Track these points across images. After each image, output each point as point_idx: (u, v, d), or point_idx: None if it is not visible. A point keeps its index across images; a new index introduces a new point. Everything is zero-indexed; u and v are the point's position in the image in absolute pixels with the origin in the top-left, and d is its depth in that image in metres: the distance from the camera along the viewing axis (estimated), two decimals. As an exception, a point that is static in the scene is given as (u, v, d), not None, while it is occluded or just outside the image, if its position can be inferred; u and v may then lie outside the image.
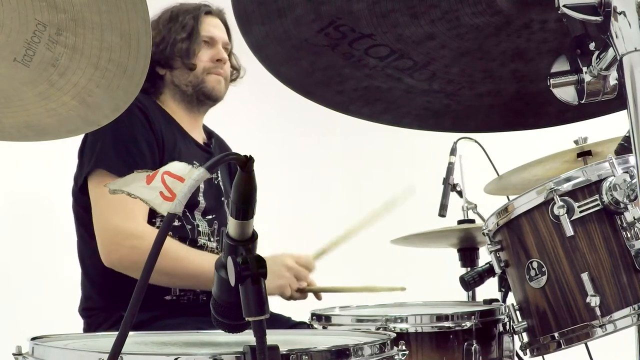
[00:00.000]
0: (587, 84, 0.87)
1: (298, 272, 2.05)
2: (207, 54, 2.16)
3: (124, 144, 1.94)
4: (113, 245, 1.91)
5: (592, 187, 1.48)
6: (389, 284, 2.08)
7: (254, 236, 0.95)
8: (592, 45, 0.84)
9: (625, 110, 0.74)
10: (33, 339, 1.12)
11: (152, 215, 1.94)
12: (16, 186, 3.20)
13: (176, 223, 1.99)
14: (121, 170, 1.90)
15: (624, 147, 1.82)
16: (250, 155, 0.91)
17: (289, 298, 2.10)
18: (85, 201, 1.99)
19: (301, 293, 2.21)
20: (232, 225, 0.94)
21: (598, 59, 0.84)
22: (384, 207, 2.16)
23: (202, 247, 2.04)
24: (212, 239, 2.09)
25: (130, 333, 0.95)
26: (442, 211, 2.40)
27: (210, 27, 2.19)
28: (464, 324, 1.69)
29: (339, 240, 2.15)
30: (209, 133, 2.33)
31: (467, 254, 2.39)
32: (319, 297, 2.21)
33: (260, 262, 0.93)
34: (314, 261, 2.10)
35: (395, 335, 1.19)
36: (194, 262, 1.93)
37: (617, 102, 0.84)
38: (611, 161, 1.46)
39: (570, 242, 1.48)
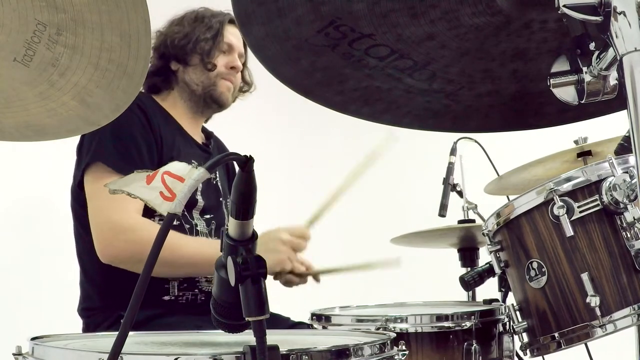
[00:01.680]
0: (587, 84, 0.87)
1: (294, 244, 2.03)
2: (224, 59, 2.20)
3: (122, 140, 1.95)
4: (107, 241, 1.92)
5: (592, 187, 1.48)
6: (383, 260, 2.07)
7: (254, 236, 0.95)
8: (592, 45, 0.84)
9: (625, 110, 0.74)
10: (33, 339, 1.12)
11: (151, 215, 1.94)
12: (16, 186, 3.20)
13: (175, 222, 1.98)
14: (119, 164, 1.90)
15: (624, 147, 1.83)
16: (250, 155, 0.91)
17: (288, 281, 2.07)
18: (83, 197, 1.99)
19: (300, 277, 2.18)
20: (232, 225, 0.94)
21: (598, 59, 0.84)
22: (367, 160, 2.15)
23: (201, 246, 2.04)
24: (210, 239, 2.09)
25: (130, 333, 0.95)
26: (442, 211, 2.40)
27: (231, 35, 2.23)
28: (464, 324, 1.69)
29: (329, 204, 2.13)
30: (207, 133, 2.34)
31: (467, 254, 2.40)
32: (317, 279, 2.19)
33: (260, 262, 0.93)
34: (308, 230, 2.08)
35: (395, 335, 1.19)
36: (192, 249, 1.94)
37: (617, 102, 0.84)
38: (611, 161, 1.46)
39: (570, 242, 1.48)
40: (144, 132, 1.99)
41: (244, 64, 2.29)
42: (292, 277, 2.18)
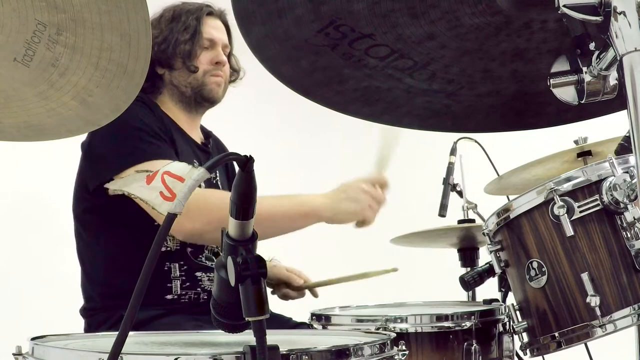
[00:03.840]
0: (587, 84, 0.87)
1: (374, 194, 2.01)
2: (207, 56, 2.15)
3: (146, 132, 1.93)
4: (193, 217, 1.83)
5: (592, 187, 1.48)
6: (381, 268, 2.07)
7: (253, 236, 0.95)
8: (592, 45, 0.84)
9: (625, 110, 0.74)
10: (33, 339, 1.12)
11: (152, 220, 1.93)
12: (16, 186, 3.20)
13: (175, 223, 1.98)
14: (157, 152, 1.87)
15: (624, 147, 1.83)
16: (250, 155, 0.91)
17: (285, 295, 2.07)
18: (93, 203, 1.97)
19: (298, 292, 2.20)
20: (232, 225, 0.94)
21: (598, 59, 0.84)
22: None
23: (201, 248, 2.04)
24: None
25: (130, 333, 0.95)
26: (442, 211, 2.40)
27: (211, 28, 2.18)
28: (464, 324, 1.69)
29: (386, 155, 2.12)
30: (206, 133, 2.33)
31: (467, 254, 2.40)
32: (315, 294, 2.20)
33: (261, 261, 0.93)
34: (385, 178, 2.06)
35: (395, 335, 1.19)
36: (268, 203, 1.90)
37: (617, 102, 0.84)
38: (611, 161, 1.46)
39: (570, 242, 1.48)
40: (158, 123, 1.99)
41: (230, 53, 2.24)
42: (289, 292, 2.18)
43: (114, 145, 1.94)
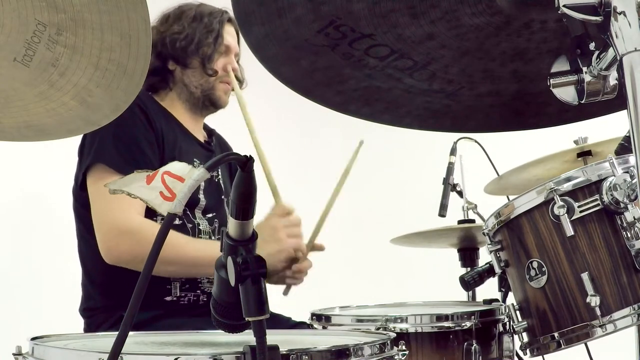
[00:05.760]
0: (587, 84, 0.87)
1: (287, 223, 1.98)
2: (221, 61, 2.17)
3: (123, 141, 1.94)
4: (111, 242, 1.91)
5: (592, 187, 1.48)
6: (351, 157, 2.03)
7: (254, 236, 0.95)
8: (592, 45, 0.84)
9: (625, 110, 0.74)
10: (33, 339, 1.12)
11: (152, 215, 1.94)
12: (16, 186, 3.20)
13: (177, 222, 1.98)
14: (120, 165, 1.90)
15: (624, 147, 1.83)
16: (250, 155, 0.91)
17: (285, 279, 2.04)
18: (85, 198, 1.99)
19: (298, 273, 2.09)
20: (232, 225, 0.94)
21: (598, 59, 0.84)
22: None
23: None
24: (213, 238, 2.09)
25: (130, 333, 0.95)
26: (442, 211, 2.40)
27: (229, 35, 2.20)
28: (464, 324, 1.69)
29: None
30: (209, 131, 2.33)
31: (467, 254, 2.40)
32: (321, 248, 2.12)
33: (260, 261, 0.93)
34: (289, 206, 2.01)
35: (395, 335, 1.19)
36: (194, 250, 1.93)
37: (617, 102, 0.84)
38: (611, 161, 1.46)
39: (570, 242, 1.48)
40: (145, 132, 1.99)
41: (237, 62, 2.26)
42: (299, 266, 2.05)
43: (93, 141, 1.96)
